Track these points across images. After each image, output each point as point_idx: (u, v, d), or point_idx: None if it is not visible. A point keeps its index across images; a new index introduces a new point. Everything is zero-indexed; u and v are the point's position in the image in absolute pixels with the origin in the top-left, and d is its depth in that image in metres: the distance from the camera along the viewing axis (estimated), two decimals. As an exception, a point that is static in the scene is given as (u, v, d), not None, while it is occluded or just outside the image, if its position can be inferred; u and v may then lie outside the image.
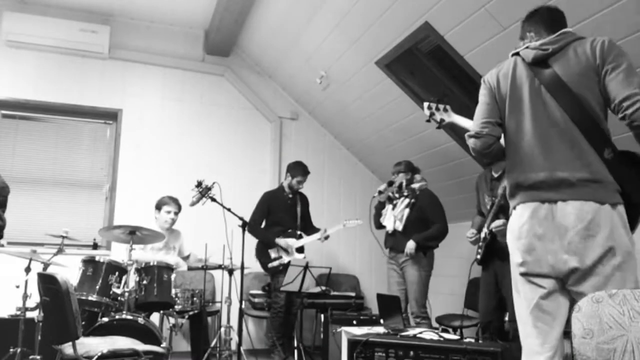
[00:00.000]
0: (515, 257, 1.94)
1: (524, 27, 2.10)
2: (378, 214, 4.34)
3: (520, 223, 1.90)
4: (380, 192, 4.20)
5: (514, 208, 1.96)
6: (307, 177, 4.75)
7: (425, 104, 2.56)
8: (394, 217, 4.17)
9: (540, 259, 1.84)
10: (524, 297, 1.91)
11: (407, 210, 4.14)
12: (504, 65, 2.06)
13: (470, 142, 2.07)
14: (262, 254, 4.59)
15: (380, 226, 4.37)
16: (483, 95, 2.09)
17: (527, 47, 2.00)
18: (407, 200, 4.17)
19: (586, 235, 1.76)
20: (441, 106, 2.54)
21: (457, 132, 4.39)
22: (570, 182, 1.80)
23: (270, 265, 4.51)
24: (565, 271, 1.80)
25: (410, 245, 4.05)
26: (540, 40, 1.98)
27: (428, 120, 2.57)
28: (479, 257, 3.50)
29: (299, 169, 4.70)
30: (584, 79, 1.85)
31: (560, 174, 1.82)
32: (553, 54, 1.93)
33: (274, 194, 4.78)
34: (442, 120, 2.52)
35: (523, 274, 1.90)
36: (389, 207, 4.27)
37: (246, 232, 3.93)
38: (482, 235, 3.46)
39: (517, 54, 2.04)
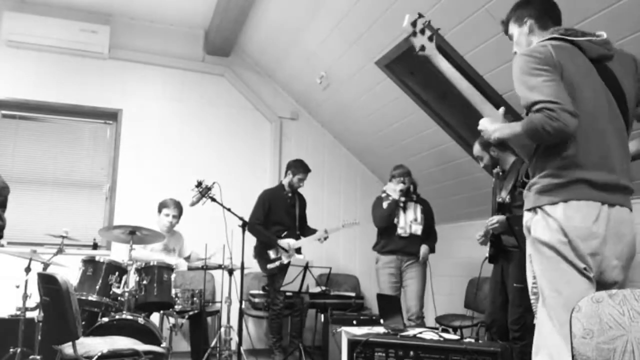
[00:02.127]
0: (573, 255, 1.72)
1: (545, 15, 1.95)
2: (392, 214, 4.28)
3: (586, 223, 1.72)
4: (402, 191, 4.24)
5: (565, 201, 1.74)
6: (307, 175, 4.74)
7: (409, 17, 2.07)
8: (411, 221, 4.27)
9: (598, 264, 1.74)
10: (568, 298, 1.69)
11: (422, 215, 4.30)
12: (555, 45, 1.81)
13: (567, 117, 1.66)
14: (261, 255, 4.57)
15: (389, 226, 4.31)
16: (549, 72, 1.73)
17: (589, 41, 1.85)
18: (420, 206, 4.35)
19: (630, 246, 1.79)
20: (428, 31, 2.03)
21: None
22: (626, 188, 1.79)
23: (269, 266, 4.49)
24: (610, 279, 1.76)
25: (425, 250, 4.23)
26: (588, 37, 1.86)
27: (405, 39, 2.08)
28: (487, 254, 3.51)
29: (300, 167, 4.68)
30: (633, 91, 1.88)
31: (622, 181, 1.79)
32: (612, 57, 1.87)
33: (274, 193, 4.75)
34: (422, 47, 2.06)
35: (577, 269, 1.72)
36: (399, 209, 4.30)
37: (246, 232, 3.93)
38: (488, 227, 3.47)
39: (572, 42, 1.84)
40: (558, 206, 1.74)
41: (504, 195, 3.36)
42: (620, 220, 1.76)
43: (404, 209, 4.28)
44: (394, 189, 4.26)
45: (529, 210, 1.84)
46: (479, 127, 2.02)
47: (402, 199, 4.24)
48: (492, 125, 1.96)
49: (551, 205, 1.75)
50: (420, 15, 2.05)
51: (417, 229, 4.24)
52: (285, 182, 4.74)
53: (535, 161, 1.87)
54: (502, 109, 2.04)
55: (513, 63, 1.85)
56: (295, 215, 4.75)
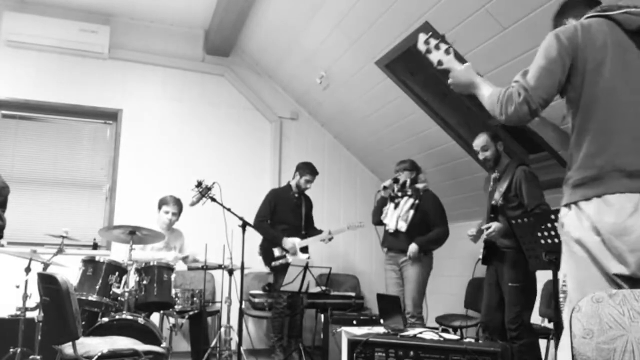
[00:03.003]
0: (607, 255, 1.62)
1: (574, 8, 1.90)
2: (379, 210, 4.32)
3: (620, 218, 1.60)
4: (385, 188, 4.19)
5: (599, 196, 1.64)
6: (315, 177, 4.76)
7: (422, 37, 2.03)
8: (397, 217, 4.14)
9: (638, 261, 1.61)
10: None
11: (411, 212, 4.12)
12: (585, 25, 1.75)
13: (524, 108, 1.69)
14: (266, 252, 4.60)
15: (379, 222, 4.36)
16: (553, 61, 1.72)
17: (626, 12, 1.76)
18: (411, 201, 4.15)
19: None
20: (443, 45, 2.01)
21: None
22: None
23: (273, 263, 4.52)
24: None
25: (413, 248, 4.05)
26: (630, 8, 1.77)
27: (424, 56, 2.04)
28: (480, 256, 3.50)
29: (308, 169, 4.73)
30: None
31: None
32: None
33: (281, 192, 4.80)
34: (439, 62, 2.01)
35: (620, 276, 1.60)
36: (390, 205, 4.25)
37: (246, 231, 3.92)
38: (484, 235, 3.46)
39: (608, 17, 1.76)
40: (592, 202, 1.64)
41: (497, 198, 3.36)
42: None
43: (396, 204, 4.21)
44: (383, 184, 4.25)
45: (564, 205, 1.75)
46: (450, 81, 1.95)
47: (386, 192, 4.20)
48: (469, 73, 1.91)
49: (585, 201, 1.66)
50: (432, 32, 2.06)
51: (402, 226, 4.10)
52: (293, 183, 4.78)
53: (571, 152, 1.78)
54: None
55: None
56: (301, 215, 4.78)
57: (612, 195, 1.62)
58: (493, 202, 3.39)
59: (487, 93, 1.81)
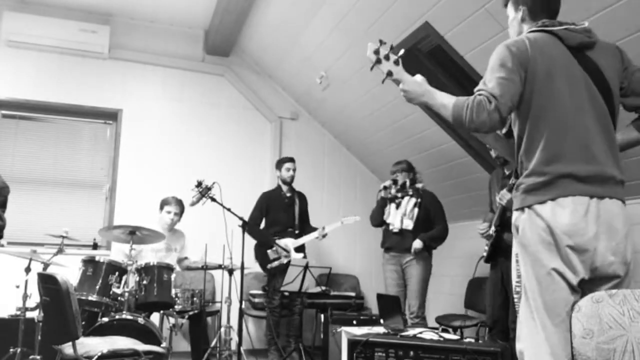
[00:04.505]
0: (557, 256, 1.68)
1: (540, 6, 1.95)
2: (381, 212, 4.32)
3: (574, 219, 1.67)
4: (385, 188, 4.21)
5: (552, 199, 1.71)
6: (292, 162, 4.79)
7: (371, 46, 2.01)
8: (402, 216, 4.17)
9: (590, 260, 1.68)
10: (548, 302, 1.68)
11: (416, 210, 4.17)
12: (531, 39, 1.82)
13: (494, 116, 1.70)
14: (261, 255, 4.59)
15: (380, 224, 4.36)
16: (510, 72, 1.77)
17: (567, 29, 1.83)
18: (414, 200, 4.19)
19: (626, 239, 1.71)
20: (392, 56, 2.00)
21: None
22: (615, 180, 1.74)
23: (269, 266, 4.50)
24: (607, 274, 1.69)
25: (418, 244, 4.07)
26: (569, 25, 1.85)
27: (371, 68, 2.04)
28: (484, 254, 3.50)
29: (280, 159, 4.87)
30: (617, 80, 1.84)
31: (609, 170, 1.73)
32: (593, 45, 1.83)
33: (271, 194, 4.82)
34: (389, 72, 2.00)
35: (560, 274, 1.68)
36: (391, 205, 4.26)
37: (246, 232, 3.93)
38: (490, 232, 3.46)
39: (550, 32, 1.84)
40: (546, 205, 1.71)
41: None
42: (612, 214, 1.70)
43: (398, 204, 4.23)
44: (383, 185, 4.27)
45: (517, 209, 1.81)
46: (401, 87, 1.95)
47: (391, 194, 4.21)
48: (421, 84, 1.92)
49: (540, 205, 1.72)
50: (382, 43, 2.03)
51: (409, 224, 4.14)
52: (279, 181, 4.82)
53: (519, 160, 1.85)
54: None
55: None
56: (294, 214, 4.77)
57: (565, 198, 1.69)
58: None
59: (448, 100, 1.80)
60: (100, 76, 5.25)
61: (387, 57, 2.01)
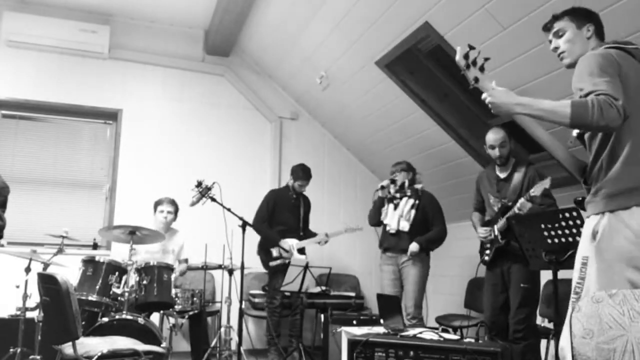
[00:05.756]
0: (630, 266, 1.71)
1: (601, 29, 2.07)
2: (378, 211, 4.31)
3: None
4: (382, 187, 4.19)
5: (638, 205, 1.74)
6: (308, 181, 4.74)
7: (460, 50, 2.02)
8: (399, 217, 4.14)
9: None
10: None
11: (413, 211, 4.13)
12: (614, 52, 1.90)
13: (622, 112, 1.73)
14: (264, 252, 4.61)
15: (377, 223, 4.35)
16: (612, 76, 1.81)
17: (636, 48, 1.95)
18: (411, 201, 4.15)
19: None
20: (480, 60, 2.00)
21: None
22: None
23: (271, 263, 4.52)
24: None
25: (414, 247, 4.04)
26: (634, 46, 1.96)
27: (462, 73, 2.04)
28: (487, 258, 3.48)
29: (299, 173, 4.70)
30: None
31: None
32: None
33: (280, 193, 4.81)
34: (476, 79, 1.99)
35: (633, 284, 1.70)
36: (389, 206, 4.24)
37: (246, 231, 3.92)
38: (492, 236, 3.45)
39: (624, 49, 1.93)
40: (632, 211, 1.73)
41: (513, 198, 3.35)
42: None
43: (395, 205, 4.21)
44: (380, 184, 4.26)
45: (596, 214, 1.83)
46: (484, 96, 1.92)
47: (384, 192, 4.21)
48: (510, 94, 1.88)
49: (625, 210, 1.75)
50: (471, 48, 2.03)
51: (405, 226, 4.10)
52: (290, 185, 4.79)
53: (601, 165, 1.87)
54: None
55: (579, 62, 1.90)
56: (299, 216, 4.79)
57: None
58: (504, 201, 3.39)
59: (556, 104, 1.79)
60: (100, 76, 5.25)
61: (474, 63, 2.01)
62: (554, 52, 2.11)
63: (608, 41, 2.00)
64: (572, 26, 2.07)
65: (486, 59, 2.01)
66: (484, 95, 1.93)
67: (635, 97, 1.83)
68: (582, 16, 2.08)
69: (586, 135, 1.98)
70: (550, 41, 2.12)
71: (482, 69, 1.99)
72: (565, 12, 2.11)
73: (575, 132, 2.04)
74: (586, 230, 1.86)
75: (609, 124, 1.72)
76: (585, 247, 1.85)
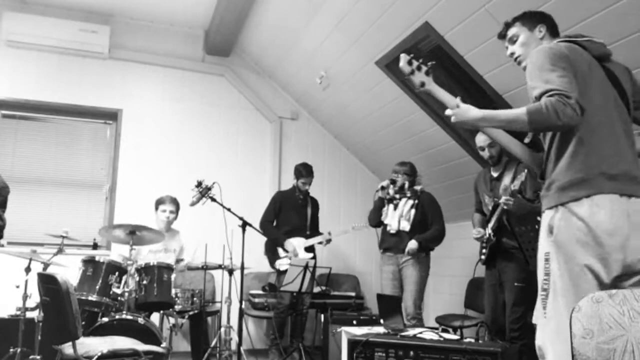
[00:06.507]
0: (595, 255, 1.71)
1: (555, 28, 2.09)
2: (378, 212, 4.32)
3: (613, 218, 1.72)
4: (382, 188, 4.20)
5: (588, 197, 1.74)
6: (310, 178, 4.78)
7: (404, 57, 2.07)
8: (400, 217, 4.16)
9: (623, 257, 1.72)
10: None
11: (413, 211, 4.16)
12: (565, 46, 1.91)
13: (577, 109, 1.73)
14: (271, 252, 4.65)
15: (377, 224, 4.36)
16: (563, 69, 1.81)
17: (589, 41, 1.96)
18: (411, 202, 4.18)
19: None
20: (424, 67, 2.08)
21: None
22: (637, 180, 1.81)
23: (277, 262, 4.58)
24: (634, 270, 1.73)
25: (413, 244, 4.06)
26: (590, 38, 1.98)
27: (407, 78, 2.12)
28: (483, 257, 3.50)
29: (301, 171, 4.76)
30: (630, 92, 1.97)
31: (634, 171, 1.81)
32: (609, 57, 1.98)
33: (286, 194, 4.87)
34: (422, 83, 2.09)
35: (592, 271, 1.72)
36: (389, 206, 4.26)
37: (246, 231, 3.92)
38: (486, 235, 3.46)
39: (575, 42, 1.95)
40: (582, 202, 1.75)
41: (504, 195, 3.36)
42: (635, 211, 1.74)
43: (395, 205, 4.23)
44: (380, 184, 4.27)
45: (550, 208, 1.84)
46: (448, 113, 1.98)
47: (384, 192, 4.21)
48: (472, 111, 1.93)
49: (575, 202, 1.76)
50: (414, 53, 2.12)
51: (406, 226, 4.13)
52: (295, 184, 4.83)
53: (552, 159, 1.89)
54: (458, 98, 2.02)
55: (529, 57, 1.92)
56: (306, 217, 4.83)
57: (601, 195, 1.74)
58: (496, 200, 3.40)
59: (515, 112, 1.82)
60: (100, 76, 5.25)
61: (419, 68, 2.08)
62: (511, 58, 2.14)
63: (564, 34, 2.04)
64: (524, 29, 2.10)
65: (432, 64, 2.10)
66: (447, 112, 2.01)
67: (585, 89, 1.83)
68: (533, 18, 2.11)
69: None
70: (507, 48, 2.15)
71: (427, 73, 2.09)
72: (515, 17, 2.14)
73: None
74: (543, 226, 1.87)
75: (568, 122, 1.73)
76: (544, 243, 1.86)
